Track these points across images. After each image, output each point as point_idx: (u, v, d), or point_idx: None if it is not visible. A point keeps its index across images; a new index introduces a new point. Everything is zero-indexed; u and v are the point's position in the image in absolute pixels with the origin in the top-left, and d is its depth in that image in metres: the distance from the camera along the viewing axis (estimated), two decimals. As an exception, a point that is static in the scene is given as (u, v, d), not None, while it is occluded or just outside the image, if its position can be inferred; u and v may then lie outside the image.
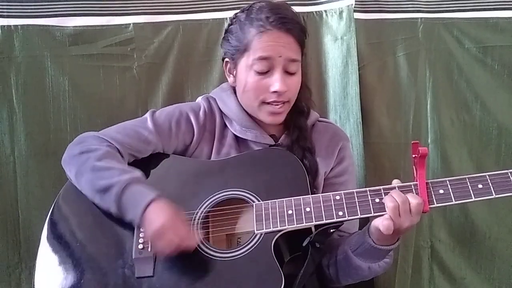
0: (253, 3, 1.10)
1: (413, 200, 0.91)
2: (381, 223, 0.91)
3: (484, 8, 1.53)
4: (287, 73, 1.06)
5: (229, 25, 1.13)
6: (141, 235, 0.96)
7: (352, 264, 1.01)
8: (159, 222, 0.91)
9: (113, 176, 0.96)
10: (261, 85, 1.05)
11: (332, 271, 1.07)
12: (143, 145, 1.07)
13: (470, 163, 1.54)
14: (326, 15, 1.51)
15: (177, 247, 0.91)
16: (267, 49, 1.03)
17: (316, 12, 1.51)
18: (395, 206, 0.91)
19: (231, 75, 1.13)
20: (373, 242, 0.96)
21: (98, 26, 1.40)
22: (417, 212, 0.91)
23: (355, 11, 1.47)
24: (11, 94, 1.35)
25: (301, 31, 1.08)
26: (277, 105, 1.07)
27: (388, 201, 0.92)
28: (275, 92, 1.04)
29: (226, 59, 1.13)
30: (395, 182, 0.97)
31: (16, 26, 1.35)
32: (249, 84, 1.06)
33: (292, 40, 1.05)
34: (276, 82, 1.04)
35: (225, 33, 1.14)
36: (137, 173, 1.00)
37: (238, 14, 1.12)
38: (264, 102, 1.07)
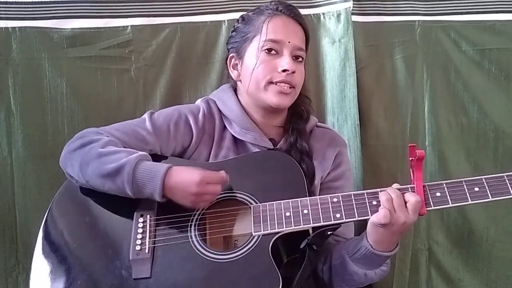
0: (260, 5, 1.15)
1: (412, 197, 0.92)
2: (377, 213, 0.91)
3: (481, 11, 1.54)
4: (294, 59, 1.09)
5: (235, 25, 1.17)
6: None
7: (348, 270, 1.01)
8: (196, 175, 0.93)
9: (121, 158, 0.96)
10: (270, 64, 1.08)
11: (326, 277, 1.07)
12: (141, 145, 1.06)
13: (468, 165, 1.55)
14: (324, 17, 1.52)
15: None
16: (277, 31, 1.08)
17: (314, 14, 1.52)
18: (388, 198, 0.92)
19: (235, 70, 1.15)
20: (371, 246, 0.96)
21: (96, 28, 1.40)
22: (414, 210, 0.92)
23: (353, 13, 1.48)
24: (8, 96, 1.34)
25: (306, 25, 1.14)
26: (285, 85, 1.08)
27: (382, 195, 0.94)
28: (283, 71, 1.06)
29: (231, 55, 1.15)
30: (395, 186, 0.97)
31: (13, 28, 1.34)
32: (258, 63, 1.07)
33: (300, 28, 1.12)
34: (284, 61, 1.07)
35: (231, 32, 1.18)
36: (143, 152, 1.00)
37: (245, 14, 1.17)
38: (271, 82, 1.08)
